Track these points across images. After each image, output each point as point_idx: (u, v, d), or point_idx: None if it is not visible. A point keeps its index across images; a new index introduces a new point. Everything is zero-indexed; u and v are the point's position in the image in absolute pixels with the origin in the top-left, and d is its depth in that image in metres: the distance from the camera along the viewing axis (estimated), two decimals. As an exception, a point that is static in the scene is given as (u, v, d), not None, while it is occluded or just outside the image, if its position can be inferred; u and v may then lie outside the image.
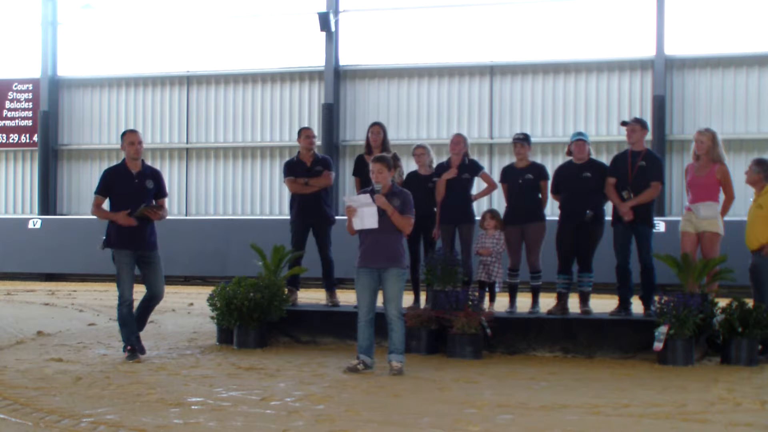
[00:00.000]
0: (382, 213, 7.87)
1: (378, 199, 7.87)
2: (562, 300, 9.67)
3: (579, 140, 9.65)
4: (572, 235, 9.57)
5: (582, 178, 9.55)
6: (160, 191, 8.93)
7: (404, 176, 10.20)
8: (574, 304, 9.76)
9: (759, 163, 9.15)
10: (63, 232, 20.65)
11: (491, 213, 9.91)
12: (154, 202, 8.87)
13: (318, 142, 11.26)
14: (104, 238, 8.85)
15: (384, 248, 7.91)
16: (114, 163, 21.87)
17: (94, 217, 9.11)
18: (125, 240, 8.68)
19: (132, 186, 8.72)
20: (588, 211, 9.47)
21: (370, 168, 8.10)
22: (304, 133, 10.41)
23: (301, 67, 21.90)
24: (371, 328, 8.04)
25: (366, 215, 7.87)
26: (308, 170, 10.28)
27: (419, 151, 10.15)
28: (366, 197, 7.96)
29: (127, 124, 22.75)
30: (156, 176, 8.97)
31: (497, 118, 20.74)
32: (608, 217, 9.73)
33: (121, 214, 8.62)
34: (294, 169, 10.33)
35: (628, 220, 9.32)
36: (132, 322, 8.75)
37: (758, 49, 19.48)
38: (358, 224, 7.92)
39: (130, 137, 8.80)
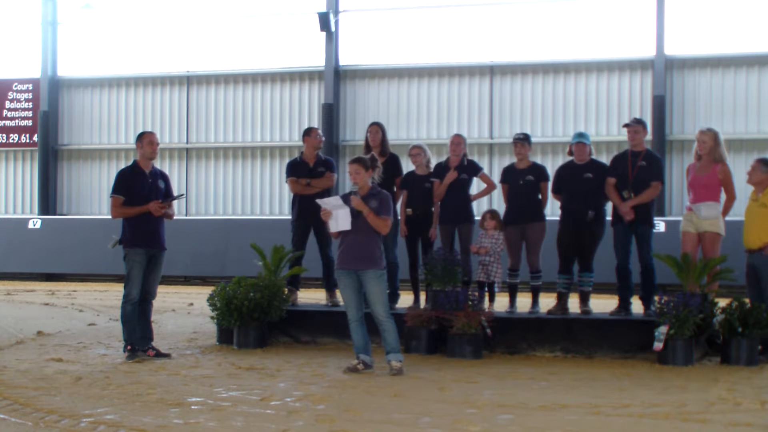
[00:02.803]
0: (357, 214, 7.88)
1: (353, 200, 7.89)
2: (562, 300, 9.67)
3: (580, 143, 9.64)
4: (573, 235, 9.57)
5: (583, 179, 9.55)
6: (168, 192, 9.02)
7: (403, 176, 10.21)
8: (573, 304, 9.77)
9: (766, 162, 9.10)
10: (63, 232, 20.65)
11: (491, 213, 9.91)
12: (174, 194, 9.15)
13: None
14: (115, 237, 8.88)
15: (361, 250, 7.91)
16: (114, 162, 22.40)
17: (110, 217, 9.24)
18: (142, 239, 8.79)
19: (146, 186, 8.87)
20: (590, 212, 9.47)
21: (348, 169, 8.11)
22: (314, 132, 10.40)
23: (301, 67, 21.90)
24: (363, 326, 8.05)
25: (340, 217, 7.90)
26: (311, 171, 10.28)
27: (415, 151, 10.16)
28: (337, 199, 8.03)
29: (127, 124, 22.78)
30: (165, 177, 9.17)
31: (497, 118, 20.73)
32: (608, 217, 9.73)
33: (152, 204, 8.73)
34: (296, 170, 10.33)
35: (629, 219, 9.32)
36: (134, 321, 8.77)
37: (758, 49, 19.46)
38: (333, 226, 7.96)
39: (150, 137, 9.00)
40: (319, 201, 8.11)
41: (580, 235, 9.54)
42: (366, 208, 7.87)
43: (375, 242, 7.98)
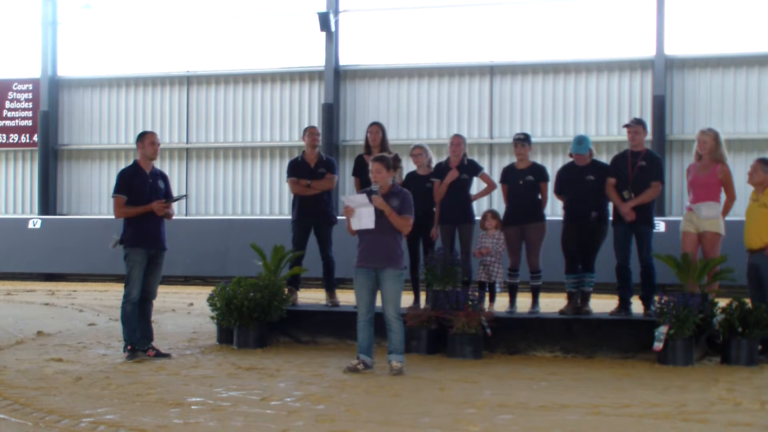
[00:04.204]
0: (379, 213, 7.87)
1: (375, 200, 7.87)
2: (573, 300, 9.65)
3: (578, 154, 9.62)
4: (577, 235, 9.55)
5: (585, 181, 9.54)
6: (168, 192, 9.03)
7: (404, 176, 10.21)
8: (574, 304, 9.77)
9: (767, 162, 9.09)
10: (63, 232, 20.65)
11: (492, 213, 9.92)
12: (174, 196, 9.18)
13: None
14: (116, 236, 8.88)
15: (381, 248, 7.90)
16: (114, 162, 22.40)
17: (110, 217, 9.25)
18: (142, 239, 8.79)
19: (147, 186, 8.86)
20: (593, 213, 9.47)
21: (369, 168, 8.11)
22: (307, 131, 10.43)
23: (301, 67, 21.90)
24: (371, 327, 8.04)
25: (363, 215, 7.88)
26: (311, 171, 10.28)
27: (417, 152, 10.16)
28: (363, 197, 7.98)
29: (127, 124, 22.78)
30: (164, 178, 9.17)
31: (497, 118, 20.73)
32: (609, 217, 9.72)
33: (154, 204, 8.74)
34: (297, 170, 10.33)
35: (630, 220, 9.32)
36: (135, 321, 8.77)
37: (758, 49, 19.47)
38: (356, 224, 7.93)
39: (151, 137, 9.00)
40: (343, 198, 8.10)
41: (584, 235, 9.54)
42: (388, 207, 7.86)
43: (396, 241, 7.97)
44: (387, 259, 7.90)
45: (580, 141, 9.71)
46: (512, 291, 9.93)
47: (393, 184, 8.07)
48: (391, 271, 7.90)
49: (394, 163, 8.11)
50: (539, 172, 9.87)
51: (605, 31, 20.23)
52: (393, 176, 8.11)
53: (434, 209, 9.99)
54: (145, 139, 8.95)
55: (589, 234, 9.51)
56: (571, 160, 9.86)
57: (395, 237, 7.97)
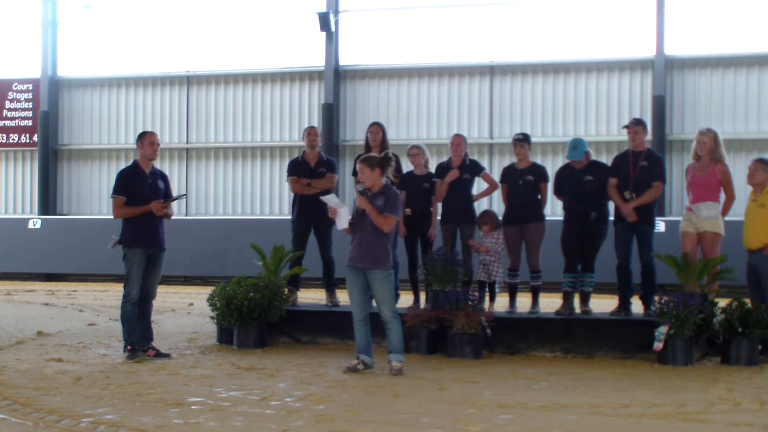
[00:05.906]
0: (364, 213, 7.89)
1: (358, 199, 7.96)
2: (568, 300, 9.65)
3: (573, 160, 9.62)
4: (577, 235, 9.56)
5: (584, 182, 9.54)
6: (167, 192, 9.04)
7: (402, 175, 10.21)
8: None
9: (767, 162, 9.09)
10: (63, 232, 20.64)
11: (483, 219, 9.83)
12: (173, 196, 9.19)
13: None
14: (115, 237, 8.88)
15: (367, 249, 7.91)
16: (114, 162, 22.40)
17: (110, 217, 9.26)
18: (141, 239, 8.79)
19: (146, 186, 8.87)
20: (593, 213, 9.47)
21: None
22: (305, 131, 10.47)
23: (301, 67, 21.90)
24: (367, 326, 8.04)
25: (342, 215, 7.98)
26: (311, 171, 10.29)
27: (414, 152, 10.16)
28: (334, 197, 8.15)
29: (127, 124, 22.78)
30: (164, 178, 9.17)
31: (497, 118, 20.73)
32: (611, 217, 9.72)
33: (152, 204, 8.74)
34: (297, 169, 10.35)
35: (632, 221, 9.31)
36: (134, 321, 8.78)
37: (758, 49, 19.46)
38: (338, 223, 8.01)
39: (151, 138, 9.00)
40: (322, 198, 8.17)
41: (584, 235, 9.54)
42: (369, 206, 7.85)
43: (381, 242, 7.93)
44: (372, 259, 7.89)
45: (575, 146, 9.67)
46: (512, 291, 9.93)
47: (385, 184, 8.05)
48: (377, 273, 7.89)
49: (381, 162, 8.03)
50: (539, 172, 9.88)
51: (605, 31, 20.22)
52: (386, 175, 8.06)
53: (432, 209, 9.99)
54: (145, 139, 8.96)
55: (589, 234, 9.52)
56: (569, 162, 9.86)
57: (380, 237, 7.92)
